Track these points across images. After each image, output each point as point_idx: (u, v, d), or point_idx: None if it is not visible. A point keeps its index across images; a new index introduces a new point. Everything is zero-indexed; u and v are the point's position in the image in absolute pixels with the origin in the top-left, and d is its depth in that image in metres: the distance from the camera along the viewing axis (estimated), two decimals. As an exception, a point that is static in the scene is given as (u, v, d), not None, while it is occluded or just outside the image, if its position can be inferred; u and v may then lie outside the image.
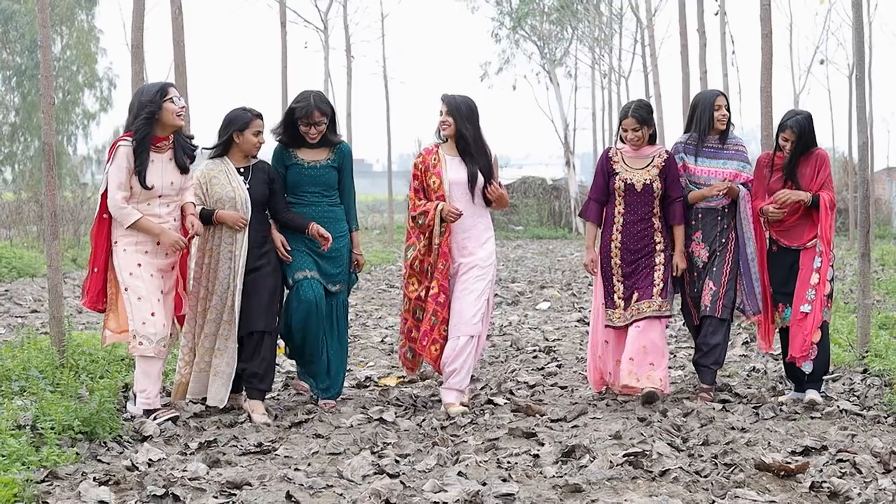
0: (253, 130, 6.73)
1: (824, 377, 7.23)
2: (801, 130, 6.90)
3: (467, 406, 6.88)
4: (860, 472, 5.25)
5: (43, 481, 4.97)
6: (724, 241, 7.18)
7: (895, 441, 5.88)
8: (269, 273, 6.72)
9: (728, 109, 7.28)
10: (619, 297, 7.15)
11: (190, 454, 5.67)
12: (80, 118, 42.06)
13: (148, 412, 6.32)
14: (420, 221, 6.93)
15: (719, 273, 7.15)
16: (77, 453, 5.45)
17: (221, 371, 6.59)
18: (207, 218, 6.62)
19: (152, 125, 6.32)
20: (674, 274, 7.17)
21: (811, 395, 6.93)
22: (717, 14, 15.36)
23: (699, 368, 7.27)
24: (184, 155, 6.51)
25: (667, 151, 7.23)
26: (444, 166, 6.97)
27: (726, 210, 7.18)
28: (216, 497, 4.84)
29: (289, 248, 6.79)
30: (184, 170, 6.51)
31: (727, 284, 7.14)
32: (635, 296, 7.09)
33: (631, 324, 7.08)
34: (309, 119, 6.77)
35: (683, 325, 8.79)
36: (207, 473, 5.20)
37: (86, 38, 40.38)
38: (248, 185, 6.72)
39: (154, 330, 6.29)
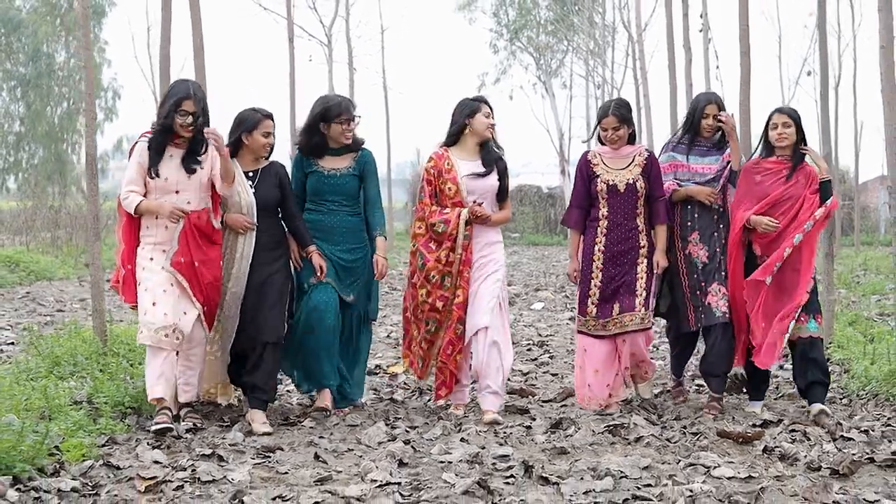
0: (262, 131, 6.67)
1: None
2: (793, 115, 6.85)
3: (501, 421, 6.68)
4: (809, 440, 6.06)
5: (104, 445, 5.79)
6: (723, 242, 6.99)
7: (844, 416, 6.70)
8: (280, 281, 6.67)
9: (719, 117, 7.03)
10: (592, 303, 6.97)
11: (226, 426, 6.47)
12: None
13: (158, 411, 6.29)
14: (440, 230, 6.78)
15: (727, 276, 6.95)
16: (128, 425, 6.27)
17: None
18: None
19: (166, 136, 6.39)
20: (657, 270, 6.98)
21: (754, 406, 6.96)
22: (701, 31, 16.16)
23: (711, 378, 7.04)
24: (192, 159, 6.43)
25: (647, 150, 7.07)
26: (458, 171, 6.88)
27: (722, 210, 7.07)
28: (254, 458, 5.65)
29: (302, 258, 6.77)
30: (189, 171, 6.43)
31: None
32: (617, 307, 6.90)
33: (614, 335, 6.94)
34: (347, 115, 6.76)
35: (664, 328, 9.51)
36: (244, 440, 6.02)
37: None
38: (254, 189, 6.67)
39: (153, 319, 6.27)
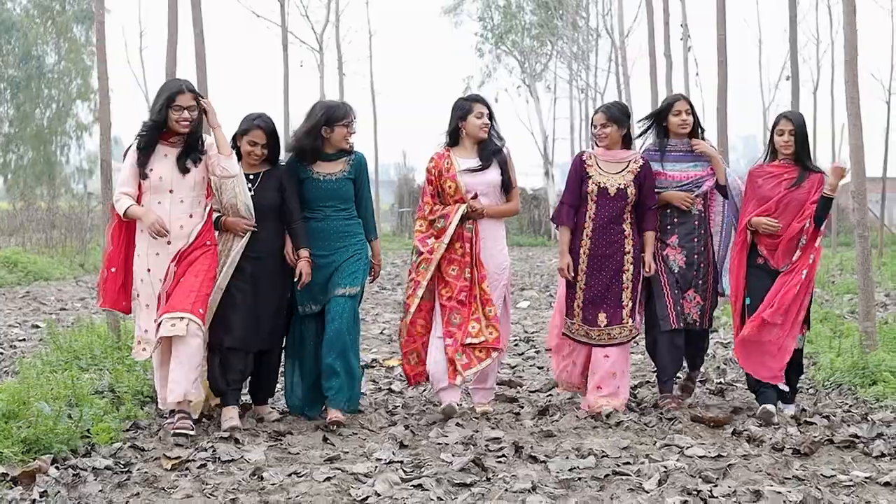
0: (249, 139, 6.64)
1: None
2: (798, 121, 6.87)
3: (491, 410, 7.11)
4: (775, 425, 6.61)
5: (128, 430, 6.31)
6: (702, 248, 7.11)
7: (809, 404, 7.25)
8: (279, 288, 6.72)
9: (691, 114, 7.15)
10: (577, 306, 7.09)
11: (239, 415, 6.96)
12: (74, 129, 42.85)
13: (172, 413, 6.39)
14: (440, 225, 6.95)
15: (705, 285, 7.12)
16: (148, 412, 6.77)
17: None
18: (217, 224, 6.65)
19: (157, 132, 6.35)
20: (646, 272, 7.05)
21: (788, 409, 6.94)
22: (682, 39, 16.75)
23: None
24: (187, 158, 6.40)
25: (643, 158, 7.08)
26: (458, 170, 6.99)
27: (703, 215, 7.16)
28: (267, 441, 6.20)
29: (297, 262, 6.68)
30: (183, 171, 6.38)
31: (712, 297, 7.19)
32: (603, 316, 7.02)
33: (598, 345, 7.06)
34: (350, 119, 6.80)
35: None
36: (256, 426, 6.55)
37: (80, 50, 41.20)
38: (252, 193, 6.64)
39: (152, 337, 6.36)
